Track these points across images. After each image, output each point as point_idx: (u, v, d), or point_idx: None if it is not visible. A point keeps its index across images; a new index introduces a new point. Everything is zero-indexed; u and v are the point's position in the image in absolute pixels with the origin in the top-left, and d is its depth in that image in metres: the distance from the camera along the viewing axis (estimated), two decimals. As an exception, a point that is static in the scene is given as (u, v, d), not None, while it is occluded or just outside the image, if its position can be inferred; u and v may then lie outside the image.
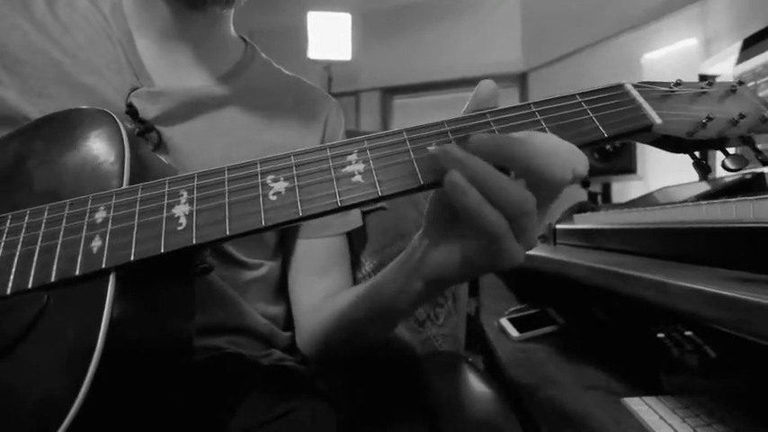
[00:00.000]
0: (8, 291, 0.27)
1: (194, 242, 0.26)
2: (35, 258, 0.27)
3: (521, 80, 2.70)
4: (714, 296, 0.42)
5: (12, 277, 0.27)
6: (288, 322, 0.58)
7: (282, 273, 0.57)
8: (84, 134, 0.34)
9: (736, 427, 0.45)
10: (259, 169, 0.29)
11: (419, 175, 0.28)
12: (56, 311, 0.26)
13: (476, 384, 0.58)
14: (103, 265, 0.26)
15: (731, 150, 0.37)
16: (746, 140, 0.36)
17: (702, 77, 1.04)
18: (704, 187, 1.03)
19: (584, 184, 1.76)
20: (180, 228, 0.27)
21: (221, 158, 0.48)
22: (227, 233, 0.27)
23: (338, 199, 0.28)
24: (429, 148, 0.28)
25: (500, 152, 0.26)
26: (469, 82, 2.85)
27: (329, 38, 2.34)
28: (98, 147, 0.33)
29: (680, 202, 0.75)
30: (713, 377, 0.59)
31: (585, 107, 0.32)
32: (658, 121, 0.32)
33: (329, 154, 0.29)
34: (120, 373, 0.26)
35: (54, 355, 0.25)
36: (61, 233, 0.28)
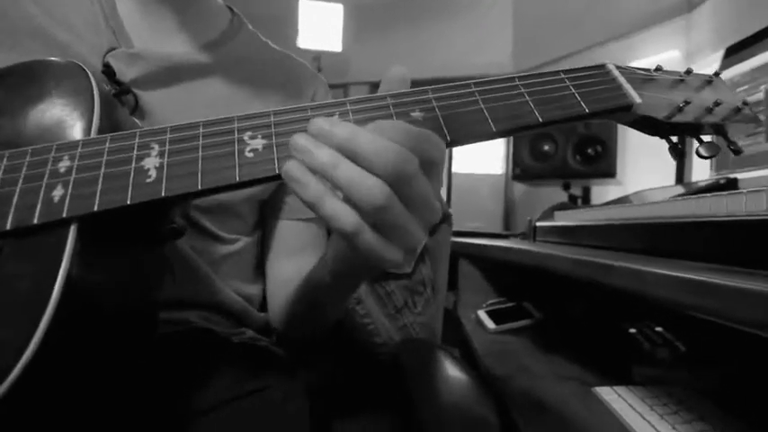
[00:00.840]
0: (-43, 237, 0.25)
1: (163, 194, 0.25)
2: (-12, 206, 0.26)
3: (509, 83, 2.72)
4: (696, 283, 0.43)
5: (-39, 224, 0.25)
6: (263, 304, 0.56)
7: (260, 253, 0.56)
8: (51, 85, 0.32)
9: (701, 414, 0.46)
10: (236, 125, 0.28)
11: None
12: (9, 261, 0.25)
13: (451, 370, 0.58)
14: (64, 215, 0.25)
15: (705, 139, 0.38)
16: (719, 129, 0.37)
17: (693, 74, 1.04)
18: (679, 190, 1.06)
19: (565, 186, 1.79)
20: (149, 180, 0.26)
21: None
22: (199, 187, 0.26)
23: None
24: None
25: (331, 136, 0.24)
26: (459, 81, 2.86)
27: (320, 28, 2.31)
28: (66, 99, 0.31)
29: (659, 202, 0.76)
30: (682, 369, 0.60)
31: (568, 83, 0.32)
32: (638, 100, 0.32)
33: (310, 114, 0.29)
34: (75, 333, 0.25)
35: (4, 306, 0.23)
36: (20, 180, 0.26)
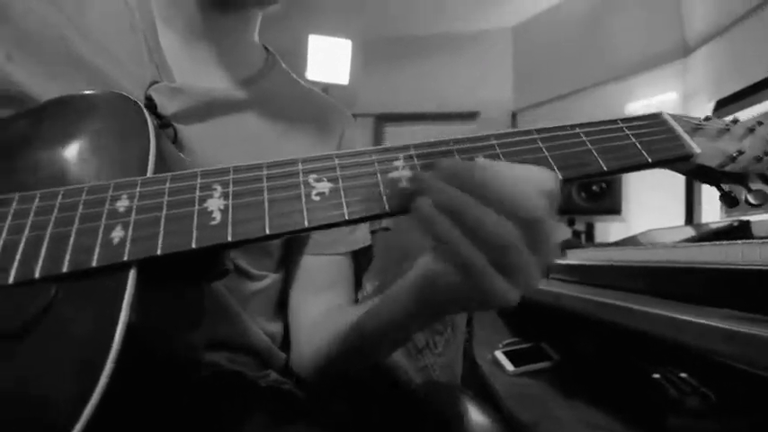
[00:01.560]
0: (10, 280, 0.24)
1: (230, 239, 0.24)
2: (44, 245, 0.24)
3: (511, 119, 2.79)
4: (731, 333, 0.42)
5: (16, 265, 0.24)
6: (284, 342, 0.54)
7: (283, 288, 0.54)
8: (103, 118, 0.31)
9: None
10: (300, 167, 0.27)
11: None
12: (64, 305, 0.23)
13: (479, 417, 0.55)
14: (125, 258, 0.24)
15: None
16: (766, 178, 0.37)
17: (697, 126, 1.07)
18: (690, 232, 1.07)
19: (570, 222, 1.80)
20: (213, 223, 0.25)
21: (236, 161, 0.46)
22: (267, 232, 0.25)
23: (386, 203, 0.26)
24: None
25: (464, 177, 0.24)
26: (460, 116, 2.93)
27: (328, 61, 2.37)
28: (118, 134, 0.30)
29: (681, 242, 0.76)
30: (714, 418, 0.58)
31: (627, 132, 0.32)
32: (698, 150, 0.32)
33: (374, 158, 0.28)
34: (131, 381, 0.23)
35: (60, 357, 0.22)
36: (77, 220, 0.25)
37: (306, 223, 0.25)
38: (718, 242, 0.58)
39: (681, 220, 1.40)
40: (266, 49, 0.58)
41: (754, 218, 0.93)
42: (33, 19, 0.41)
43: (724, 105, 1.17)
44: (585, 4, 2.38)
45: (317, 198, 0.26)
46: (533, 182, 0.25)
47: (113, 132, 0.31)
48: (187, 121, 0.44)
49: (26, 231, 0.25)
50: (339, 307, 0.52)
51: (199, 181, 0.27)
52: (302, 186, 0.26)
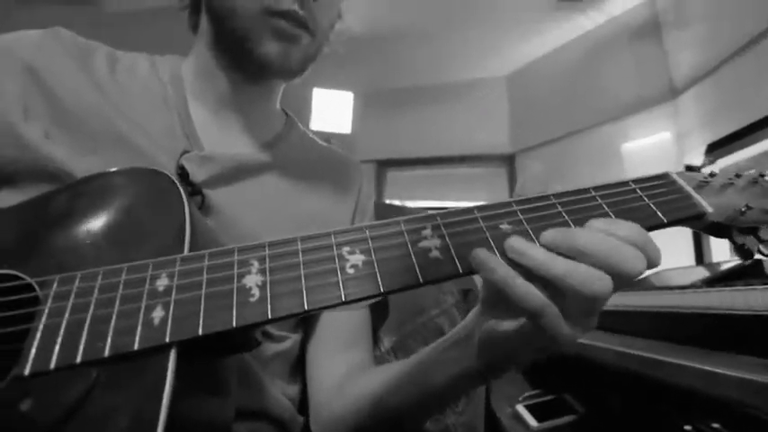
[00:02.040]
0: (52, 365, 0.24)
1: (270, 316, 0.25)
2: (86, 328, 0.25)
3: (508, 161, 2.85)
4: (761, 385, 0.41)
5: (57, 349, 0.24)
6: (302, 405, 0.53)
7: (301, 347, 0.53)
8: (140, 195, 0.33)
9: None
10: (333, 241, 0.28)
11: (495, 251, 0.28)
12: (105, 391, 0.23)
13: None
14: (167, 339, 0.24)
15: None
16: (782, 229, 0.38)
17: (688, 167, 1.10)
18: (703, 272, 1.06)
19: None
20: (253, 299, 0.25)
21: (260, 223, 0.47)
22: (306, 307, 0.25)
23: (419, 274, 0.27)
24: (506, 234, 0.28)
25: (569, 245, 0.27)
26: (460, 160, 3.00)
27: (331, 113, 2.47)
28: (157, 210, 0.32)
29: (701, 286, 0.75)
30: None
31: (641, 194, 0.33)
32: (710, 209, 0.33)
33: (403, 228, 0.29)
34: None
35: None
36: (117, 301, 0.26)
37: (343, 297, 0.25)
38: (741, 287, 0.58)
39: (690, 257, 1.40)
40: (285, 112, 0.61)
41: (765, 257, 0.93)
42: (75, 99, 0.43)
43: (715, 149, 1.21)
44: (576, 52, 2.51)
45: (352, 270, 0.27)
46: (632, 238, 0.27)
47: (150, 209, 0.32)
48: (215, 186, 0.46)
49: (67, 314, 0.26)
50: (362, 368, 0.50)
51: (236, 257, 0.27)
52: (336, 260, 0.27)
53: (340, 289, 0.26)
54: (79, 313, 0.26)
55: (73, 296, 0.26)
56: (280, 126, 0.57)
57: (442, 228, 0.29)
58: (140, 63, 0.51)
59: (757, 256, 0.77)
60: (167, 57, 0.53)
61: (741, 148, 1.10)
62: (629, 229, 0.28)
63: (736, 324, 0.55)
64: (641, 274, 0.27)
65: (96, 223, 0.31)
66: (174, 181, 0.34)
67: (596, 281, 0.26)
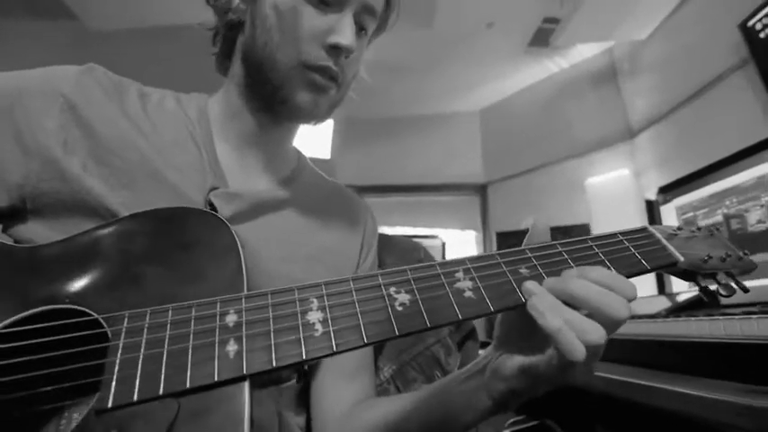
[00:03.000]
0: (135, 397, 0.26)
1: (335, 349, 0.28)
2: (164, 362, 0.27)
3: (481, 191, 2.98)
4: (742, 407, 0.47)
5: (138, 381, 0.26)
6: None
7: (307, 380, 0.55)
8: (196, 234, 0.35)
9: None
10: (381, 281, 0.32)
11: (519, 295, 0.33)
12: (188, 420, 0.25)
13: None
14: (244, 371, 0.27)
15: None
16: (730, 274, 0.45)
17: (648, 202, 1.23)
18: (665, 302, 1.15)
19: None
20: (317, 334, 0.29)
21: (281, 256, 0.50)
22: (365, 341, 0.29)
23: (458, 311, 0.31)
24: (525, 278, 0.33)
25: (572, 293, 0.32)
26: (435, 188, 3.10)
27: (312, 138, 2.51)
28: (213, 249, 0.34)
29: (668, 315, 0.83)
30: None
31: (627, 245, 0.39)
32: (682, 259, 0.39)
33: (439, 271, 0.33)
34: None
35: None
36: (191, 336, 0.28)
37: (396, 332, 0.29)
38: (703, 317, 0.65)
39: (653, 287, 1.51)
40: (297, 149, 0.64)
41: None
42: (112, 133, 0.45)
43: (667, 191, 1.33)
44: (543, 92, 2.70)
45: (401, 308, 0.31)
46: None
47: (205, 248, 0.35)
48: (240, 221, 0.48)
49: (143, 349, 0.28)
50: (368, 397, 0.53)
51: (297, 296, 0.31)
52: (386, 299, 0.31)
53: (393, 324, 0.30)
54: (155, 348, 0.28)
55: (146, 331, 0.29)
56: (294, 162, 0.61)
57: (472, 271, 0.34)
58: (167, 99, 0.53)
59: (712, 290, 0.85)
60: (192, 95, 0.56)
61: (691, 190, 1.22)
62: (610, 278, 0.33)
63: (703, 350, 0.62)
64: (626, 316, 0.31)
65: (155, 260, 0.34)
66: (223, 221, 0.37)
67: (593, 331, 0.30)
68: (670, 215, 1.31)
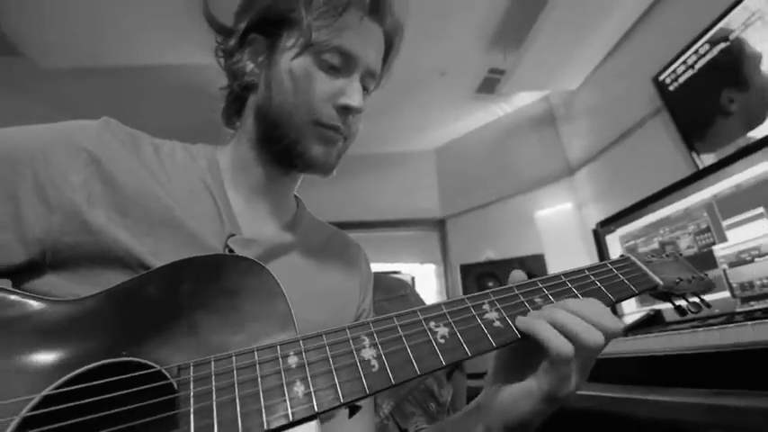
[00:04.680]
0: (215, 444, 0.27)
1: (393, 382, 0.31)
2: (238, 408, 0.28)
3: (440, 225, 3.10)
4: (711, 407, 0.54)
5: (216, 429, 0.27)
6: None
7: None
8: (242, 282, 0.37)
9: None
10: (421, 317, 0.36)
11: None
12: (270, 461, 0.27)
13: None
14: (316, 409, 0.29)
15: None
16: (696, 294, 0.53)
17: (595, 232, 1.38)
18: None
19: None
20: (374, 370, 0.31)
21: (295, 299, 0.52)
22: (418, 373, 0.32)
23: (492, 341, 0.35)
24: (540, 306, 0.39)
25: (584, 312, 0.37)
26: (395, 224, 3.18)
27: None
28: (258, 294, 0.36)
29: (625, 334, 0.92)
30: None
31: (616, 272, 0.46)
32: (661, 283, 0.47)
33: (469, 304, 0.38)
34: None
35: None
36: (259, 380, 0.30)
37: (443, 362, 0.33)
38: (658, 333, 0.74)
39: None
40: (295, 196, 0.67)
41: (663, 306, 1.17)
42: (132, 184, 0.45)
43: (606, 224, 1.49)
44: (492, 133, 2.93)
45: (443, 341, 0.34)
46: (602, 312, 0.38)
47: (251, 293, 0.36)
48: None
49: (214, 397, 0.29)
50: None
51: (349, 335, 0.33)
52: (429, 333, 0.35)
53: (439, 356, 0.33)
54: (227, 394, 0.29)
55: (214, 379, 0.30)
56: (294, 207, 0.64)
57: (496, 303, 0.38)
58: (177, 150, 0.54)
59: (657, 307, 0.96)
60: (198, 145, 0.58)
61: (628, 222, 1.38)
62: (587, 308, 0.38)
63: (662, 363, 0.70)
64: (598, 343, 0.36)
65: (204, 308, 0.35)
66: (264, 267, 0.39)
67: (565, 346, 0.35)
68: (614, 243, 1.46)
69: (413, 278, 2.13)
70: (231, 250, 0.48)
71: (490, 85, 2.49)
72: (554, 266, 2.16)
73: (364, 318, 0.63)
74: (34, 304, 0.34)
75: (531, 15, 1.94)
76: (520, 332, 0.36)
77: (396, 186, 3.15)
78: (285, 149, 0.52)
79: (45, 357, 0.31)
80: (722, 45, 1.45)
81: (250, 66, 0.53)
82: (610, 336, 0.37)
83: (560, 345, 0.34)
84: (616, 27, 1.97)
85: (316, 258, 0.59)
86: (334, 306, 0.57)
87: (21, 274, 0.43)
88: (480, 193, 2.89)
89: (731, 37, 1.42)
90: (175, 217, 0.47)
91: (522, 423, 0.38)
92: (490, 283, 1.96)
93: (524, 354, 0.39)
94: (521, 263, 1.97)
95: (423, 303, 1.50)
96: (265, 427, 0.28)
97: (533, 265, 1.96)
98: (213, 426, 0.28)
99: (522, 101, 2.73)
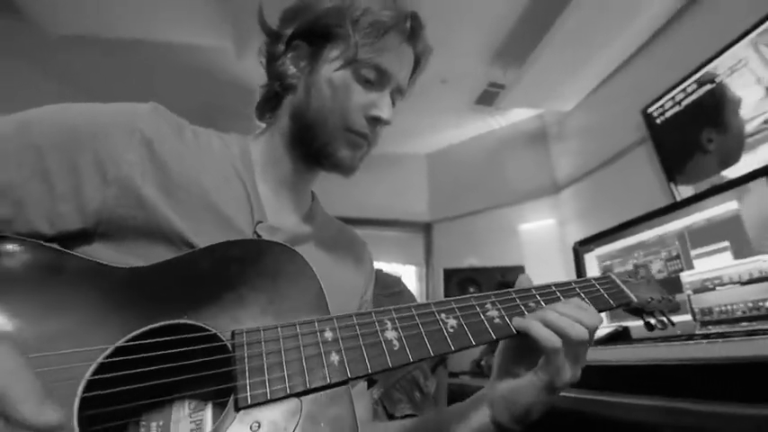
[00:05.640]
0: (268, 396, 0.32)
1: (411, 359, 0.37)
2: (285, 368, 0.34)
3: (426, 229, 3.18)
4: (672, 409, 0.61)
5: (267, 384, 0.33)
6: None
7: None
8: (279, 263, 0.42)
9: None
10: (434, 309, 0.42)
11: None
12: (309, 414, 0.33)
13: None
14: (348, 375, 0.35)
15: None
16: (664, 313, 0.61)
17: (575, 250, 1.48)
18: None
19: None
20: (395, 348, 0.37)
21: None
22: (431, 354, 0.38)
23: (492, 334, 0.42)
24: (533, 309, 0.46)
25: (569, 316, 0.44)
26: (383, 223, 3.24)
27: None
28: (295, 276, 0.42)
29: (595, 345, 1.01)
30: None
31: (598, 287, 0.53)
32: (635, 300, 0.54)
33: (474, 303, 0.44)
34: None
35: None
36: (301, 349, 0.36)
37: (452, 348, 0.39)
38: (628, 345, 0.82)
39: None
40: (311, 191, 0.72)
41: (630, 323, 1.27)
42: (178, 168, 0.50)
43: (585, 243, 1.59)
44: (485, 144, 3.02)
45: (452, 330, 0.41)
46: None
47: (289, 275, 0.42)
48: None
49: (265, 358, 0.35)
50: (367, 420, 0.60)
51: (375, 318, 0.39)
52: (440, 323, 0.41)
53: (449, 342, 0.39)
54: (274, 357, 0.35)
55: (264, 345, 0.35)
56: (310, 201, 0.69)
57: (497, 304, 0.45)
58: (213, 138, 0.59)
59: (625, 324, 1.06)
60: (231, 135, 0.62)
61: (606, 243, 1.48)
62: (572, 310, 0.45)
63: (627, 371, 0.78)
64: (581, 336, 0.42)
65: (250, 285, 0.40)
66: (299, 254, 0.44)
67: (553, 339, 0.42)
68: (592, 261, 1.56)
69: (399, 277, 2.20)
70: (259, 236, 0.53)
71: (489, 97, 2.57)
72: (533, 279, 2.25)
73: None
74: (105, 269, 0.38)
75: (535, 36, 2.02)
76: (516, 329, 0.43)
77: (387, 187, 3.20)
78: (316, 149, 0.58)
79: (115, 315, 0.36)
80: (708, 87, 1.56)
81: (292, 69, 0.58)
82: (590, 329, 0.44)
83: (549, 337, 0.41)
84: (613, 56, 2.08)
85: (329, 251, 0.65)
86: (340, 297, 0.63)
87: (71, 241, 0.47)
88: (468, 201, 2.97)
89: (717, 80, 1.53)
90: (213, 202, 0.51)
91: (526, 411, 0.44)
92: (471, 289, 2.04)
93: (524, 353, 0.46)
94: (502, 272, 2.06)
95: (414, 300, 1.57)
96: (307, 386, 0.34)
97: (514, 275, 2.05)
98: (265, 381, 0.33)
99: (517, 116, 2.82)
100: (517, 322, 0.43)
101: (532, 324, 0.42)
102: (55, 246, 0.39)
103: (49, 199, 0.44)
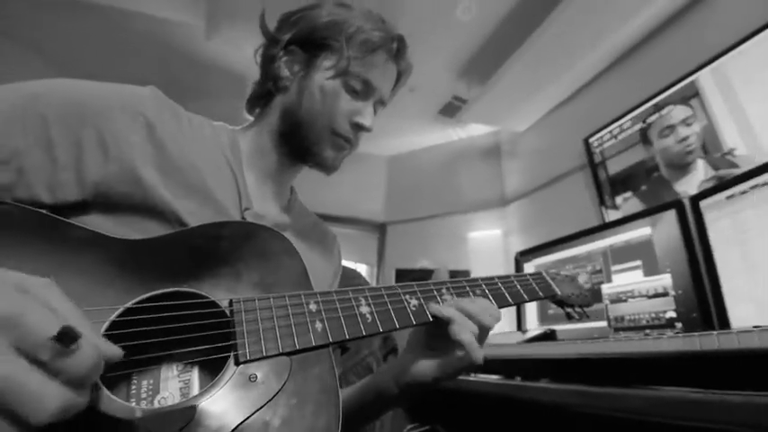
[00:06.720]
0: (264, 353, 0.38)
1: (380, 329, 0.45)
2: (277, 332, 0.40)
3: (381, 229, 3.28)
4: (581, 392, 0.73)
5: (263, 343, 0.39)
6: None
7: None
8: (268, 243, 0.48)
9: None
10: (400, 290, 0.50)
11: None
12: (299, 371, 0.39)
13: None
14: (330, 339, 0.42)
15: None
16: (582, 306, 0.74)
17: (516, 259, 1.64)
18: (519, 335, 1.51)
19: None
20: (369, 321, 0.45)
21: None
22: (397, 326, 0.46)
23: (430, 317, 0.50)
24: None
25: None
26: (338, 219, 3.29)
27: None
28: (280, 255, 0.48)
29: (530, 341, 1.13)
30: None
31: (531, 281, 0.64)
32: (560, 293, 0.66)
33: (432, 287, 0.53)
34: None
35: (307, 400, 0.38)
36: (291, 317, 0.42)
37: (413, 322, 0.47)
38: (551, 343, 0.95)
39: (512, 325, 1.91)
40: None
41: (557, 327, 1.43)
42: (176, 151, 0.53)
43: (524, 254, 1.76)
44: (443, 153, 3.18)
45: (414, 308, 0.49)
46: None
47: (276, 255, 0.48)
48: None
49: (260, 323, 0.40)
50: None
51: (351, 295, 0.47)
52: (405, 302, 0.49)
53: (411, 318, 0.47)
54: (268, 322, 0.41)
55: (258, 312, 0.41)
56: (289, 193, 0.75)
57: (451, 290, 0.54)
58: (205, 125, 0.63)
59: (553, 327, 1.21)
60: (219, 124, 0.67)
61: (542, 255, 1.64)
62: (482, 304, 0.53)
63: (550, 364, 0.91)
64: (490, 326, 0.51)
65: (244, 261, 0.46)
66: (286, 237, 0.50)
67: (470, 327, 0.49)
68: (530, 270, 1.73)
69: (359, 271, 2.28)
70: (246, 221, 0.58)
71: (451, 110, 2.72)
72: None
73: None
74: (108, 240, 0.42)
75: (500, 57, 2.18)
76: (432, 315, 0.51)
77: (345, 184, 3.26)
78: (303, 147, 0.64)
79: (120, 280, 0.40)
80: (640, 125, 1.79)
81: (286, 72, 0.64)
82: (495, 320, 0.52)
83: (465, 323, 0.49)
84: (567, 85, 2.28)
85: (304, 240, 0.71)
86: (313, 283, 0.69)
87: (68, 210, 0.49)
88: (423, 206, 3.11)
89: (648, 120, 1.75)
90: (206, 185, 0.55)
91: (425, 385, 0.52)
92: (420, 289, 2.16)
93: (435, 336, 0.52)
94: (451, 275, 2.19)
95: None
96: (296, 347, 0.40)
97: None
98: (261, 341, 0.39)
99: (475, 131, 3.00)
100: (434, 309, 0.51)
101: (450, 311, 0.50)
102: (57, 216, 0.41)
103: (50, 167, 0.46)
